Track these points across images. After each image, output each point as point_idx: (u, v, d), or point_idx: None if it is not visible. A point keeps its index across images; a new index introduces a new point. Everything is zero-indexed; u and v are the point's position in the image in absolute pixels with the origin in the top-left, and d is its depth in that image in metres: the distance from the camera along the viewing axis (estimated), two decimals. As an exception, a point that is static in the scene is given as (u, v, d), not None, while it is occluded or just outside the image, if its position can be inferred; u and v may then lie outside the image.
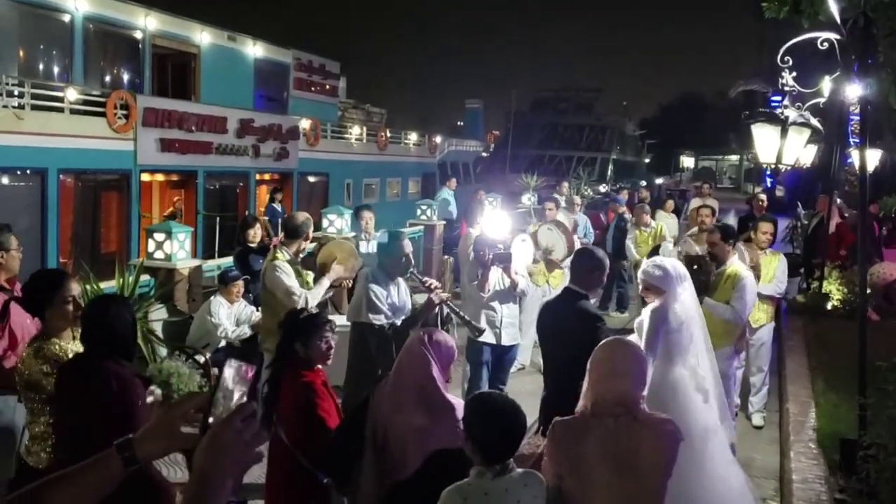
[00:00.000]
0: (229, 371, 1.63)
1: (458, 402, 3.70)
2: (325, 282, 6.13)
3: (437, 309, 6.15)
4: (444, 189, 18.65)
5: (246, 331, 7.45)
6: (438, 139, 31.97)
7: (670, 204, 13.96)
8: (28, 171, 13.46)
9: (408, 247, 5.99)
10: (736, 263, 6.61)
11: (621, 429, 3.12)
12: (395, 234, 6.16)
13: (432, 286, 5.84)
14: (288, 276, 5.96)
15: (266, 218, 15.66)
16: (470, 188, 32.63)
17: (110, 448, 1.71)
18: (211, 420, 1.60)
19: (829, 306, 11.85)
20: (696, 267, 6.40)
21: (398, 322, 5.74)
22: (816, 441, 6.70)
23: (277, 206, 16.91)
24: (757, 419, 7.95)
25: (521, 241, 8.23)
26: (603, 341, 3.49)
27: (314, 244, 7.90)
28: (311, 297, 5.98)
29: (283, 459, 4.10)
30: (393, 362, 4.51)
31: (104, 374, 3.51)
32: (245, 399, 1.63)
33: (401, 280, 6.03)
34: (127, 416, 3.43)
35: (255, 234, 8.31)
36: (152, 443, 1.71)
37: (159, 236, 8.60)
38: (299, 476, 4.05)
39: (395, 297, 5.90)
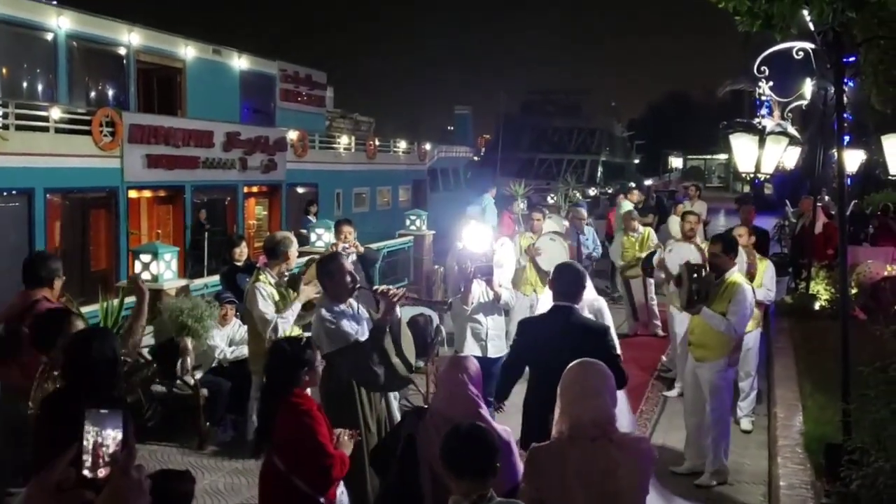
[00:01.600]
0: (91, 417, 1.60)
1: (509, 434, 3.78)
2: (296, 305, 6.06)
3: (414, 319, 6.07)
4: (486, 196, 18.49)
5: (244, 351, 7.39)
6: (428, 146, 32.01)
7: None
8: (14, 192, 13.44)
9: (347, 266, 5.41)
10: (736, 274, 6.56)
11: (598, 451, 3.14)
12: (326, 258, 5.60)
13: (382, 291, 5.65)
14: (264, 301, 5.92)
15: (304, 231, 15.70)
16: (460, 194, 32.77)
17: None
18: (86, 472, 1.58)
19: (816, 307, 11.90)
20: (696, 276, 6.40)
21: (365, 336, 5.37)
22: (803, 445, 6.72)
23: (312, 219, 16.82)
24: (745, 423, 7.98)
25: (500, 246, 8.23)
26: (570, 365, 3.50)
27: (306, 259, 7.88)
28: (282, 322, 5.92)
29: (277, 484, 4.08)
30: (369, 374, 4.61)
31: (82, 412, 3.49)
32: (121, 440, 1.61)
33: (351, 301, 5.43)
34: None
35: (242, 253, 8.31)
36: None
37: (145, 257, 8.61)
38: (296, 500, 4.06)
39: (352, 317, 5.34)
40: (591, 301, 6.16)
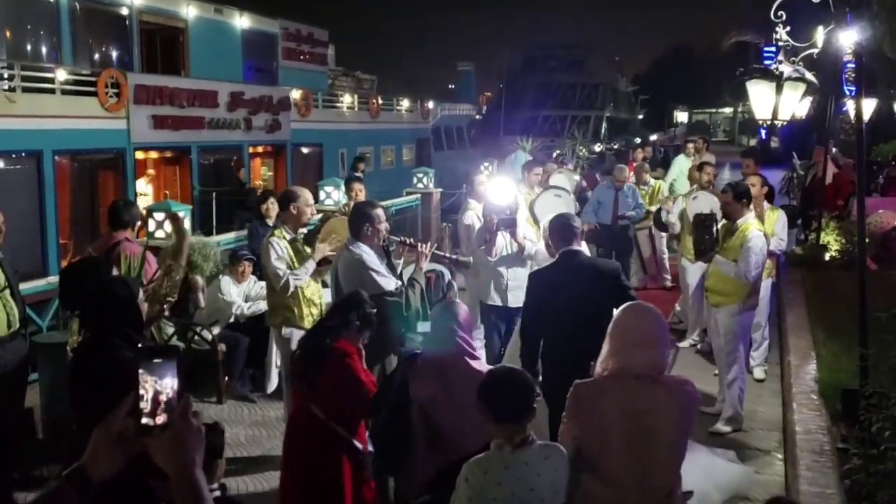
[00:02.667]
0: (146, 366, 1.63)
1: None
2: (311, 263, 6.10)
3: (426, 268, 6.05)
4: (519, 152, 18.35)
5: (262, 306, 7.46)
6: (431, 104, 31.76)
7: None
8: (23, 154, 13.41)
9: (383, 214, 5.74)
10: (750, 221, 6.59)
11: (641, 389, 3.17)
12: (366, 203, 6.03)
13: (411, 243, 5.91)
14: (277, 256, 5.95)
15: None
16: (465, 153, 32.64)
17: (61, 480, 1.69)
18: (144, 420, 1.61)
19: (826, 257, 11.92)
20: (707, 224, 6.48)
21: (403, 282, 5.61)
22: (818, 392, 6.78)
23: (360, 176, 16.71)
24: (758, 372, 8.05)
25: (553, 197, 8.02)
26: (624, 307, 3.51)
27: (318, 217, 7.90)
28: (294, 279, 5.97)
29: (315, 433, 4.11)
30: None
31: (119, 356, 3.51)
32: (176, 387, 1.63)
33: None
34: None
35: (269, 209, 8.31)
36: (102, 463, 1.69)
37: (159, 215, 8.63)
38: (336, 448, 4.10)
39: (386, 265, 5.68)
40: None
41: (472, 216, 7.82)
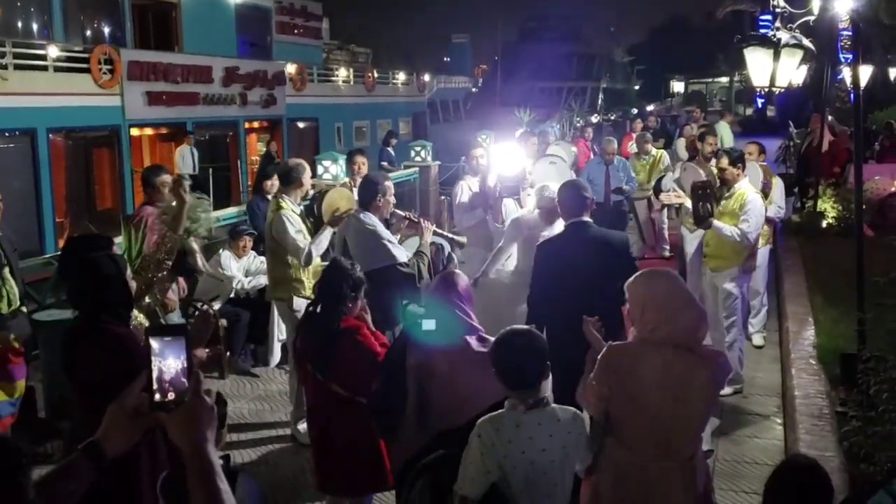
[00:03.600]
0: (156, 344, 1.67)
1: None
2: (327, 231, 6.12)
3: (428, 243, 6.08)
4: (549, 124, 18.36)
5: (262, 281, 7.52)
6: (427, 77, 31.66)
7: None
8: (17, 132, 13.37)
9: (392, 188, 5.83)
10: (745, 186, 6.64)
11: (678, 358, 3.19)
12: (379, 175, 6.13)
13: (413, 217, 5.97)
14: (294, 228, 5.96)
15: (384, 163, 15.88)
16: (462, 125, 32.54)
17: (77, 453, 1.74)
18: (157, 396, 1.66)
19: (823, 224, 11.96)
20: (704, 192, 6.50)
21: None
22: (817, 357, 6.84)
23: (391, 150, 16.75)
24: (757, 339, 8.09)
25: (548, 164, 8.11)
26: (648, 275, 3.48)
27: (314, 192, 7.89)
28: (315, 248, 6.00)
29: (339, 411, 4.12)
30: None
31: (110, 333, 3.51)
32: (185, 365, 1.67)
33: None
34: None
35: (273, 185, 8.26)
36: (116, 437, 1.74)
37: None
38: (365, 419, 4.09)
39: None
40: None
41: (465, 189, 7.83)
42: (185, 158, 17.32)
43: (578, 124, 18.53)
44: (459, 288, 4.08)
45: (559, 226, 5.96)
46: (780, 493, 2.85)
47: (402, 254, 5.45)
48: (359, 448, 4.15)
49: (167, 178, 6.33)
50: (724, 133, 12.44)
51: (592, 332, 3.63)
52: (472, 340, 3.88)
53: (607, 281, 4.53)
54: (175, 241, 5.52)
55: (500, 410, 3.14)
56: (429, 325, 4.14)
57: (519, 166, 7.08)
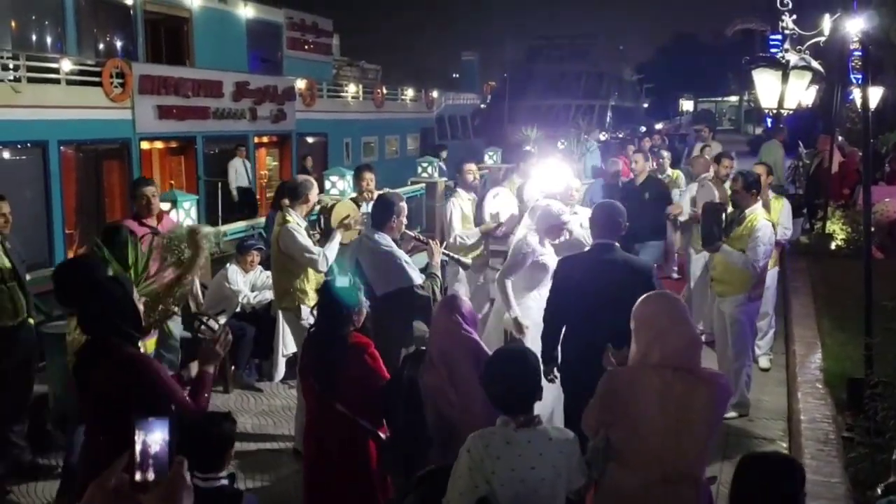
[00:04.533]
0: (139, 424, 1.67)
1: None
2: (338, 237, 6.21)
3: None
4: (592, 144, 18.18)
5: (267, 296, 7.53)
6: (435, 94, 31.71)
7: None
8: (29, 145, 13.44)
9: (405, 209, 5.79)
10: (758, 211, 6.58)
11: (677, 381, 3.18)
12: (394, 195, 6.06)
13: (423, 238, 6.00)
14: (303, 237, 6.06)
15: None
16: (469, 142, 32.58)
17: None
18: (139, 475, 1.65)
19: (832, 246, 11.91)
20: (717, 213, 6.47)
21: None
22: (823, 381, 6.79)
23: (442, 165, 16.75)
24: (764, 361, 8.05)
25: (492, 198, 7.88)
26: (645, 297, 3.50)
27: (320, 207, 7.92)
28: (329, 253, 6.08)
29: (341, 430, 4.09)
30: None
31: (122, 355, 3.52)
32: (167, 445, 1.67)
33: None
34: (157, 393, 3.50)
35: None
36: None
37: (165, 205, 8.62)
38: (365, 441, 4.09)
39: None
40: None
41: (457, 206, 7.83)
42: (238, 171, 17.59)
43: (620, 135, 18.45)
44: (463, 310, 4.10)
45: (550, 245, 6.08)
46: (747, 478, 2.86)
47: (418, 275, 5.42)
48: (353, 468, 4.13)
49: (149, 189, 6.46)
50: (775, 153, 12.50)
51: (612, 361, 3.61)
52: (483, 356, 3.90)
53: (626, 305, 4.53)
54: (185, 292, 5.51)
55: (490, 427, 3.14)
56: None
57: (564, 182, 7.07)
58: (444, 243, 7.61)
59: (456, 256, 6.42)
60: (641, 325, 3.35)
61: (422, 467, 3.86)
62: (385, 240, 5.48)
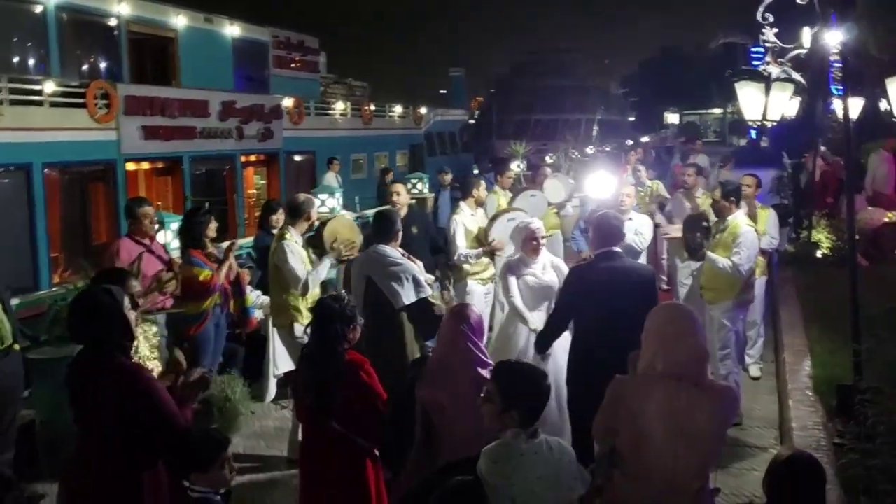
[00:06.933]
0: None
1: None
2: (326, 262, 6.21)
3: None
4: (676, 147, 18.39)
5: (258, 315, 7.54)
6: (423, 110, 31.78)
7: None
8: (12, 167, 13.34)
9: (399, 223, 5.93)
10: (739, 218, 6.68)
11: (682, 392, 3.21)
12: (394, 212, 6.25)
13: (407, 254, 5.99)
14: (294, 258, 6.11)
15: None
16: (458, 158, 32.67)
17: None
18: None
19: (818, 255, 11.98)
20: (697, 224, 6.57)
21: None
22: (813, 388, 6.83)
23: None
24: (754, 370, 8.08)
25: (506, 221, 7.65)
26: (655, 308, 3.60)
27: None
28: (313, 279, 6.07)
29: (336, 448, 4.07)
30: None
31: (113, 365, 3.51)
32: None
33: None
34: (152, 404, 3.48)
35: (278, 220, 8.21)
36: None
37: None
38: (360, 460, 4.09)
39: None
40: (551, 259, 6.33)
41: (460, 223, 7.81)
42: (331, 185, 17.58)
43: (574, 156, 18.56)
44: (471, 321, 4.12)
45: (542, 258, 6.19)
46: (780, 485, 2.90)
47: (428, 287, 5.56)
48: (349, 488, 4.10)
49: (150, 209, 6.56)
50: None
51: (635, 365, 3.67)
52: (484, 373, 3.90)
53: (630, 311, 4.65)
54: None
55: (502, 439, 3.18)
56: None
57: (611, 190, 7.11)
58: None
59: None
60: (649, 335, 3.40)
61: (402, 464, 3.90)
62: (395, 253, 5.58)
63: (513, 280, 6.11)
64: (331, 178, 18.11)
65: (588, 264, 5.39)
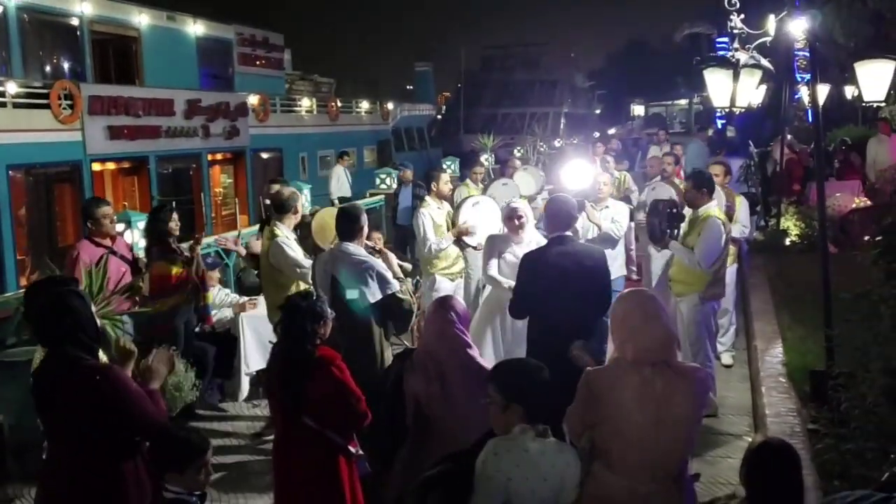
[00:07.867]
0: None
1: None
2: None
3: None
4: (697, 143, 18.36)
5: (226, 314, 7.50)
6: (391, 105, 31.71)
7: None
8: (-25, 170, 13.13)
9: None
10: (711, 209, 6.56)
11: (656, 377, 3.21)
12: (358, 206, 6.23)
13: (378, 247, 6.00)
14: (292, 250, 6.13)
15: None
16: (426, 153, 32.62)
17: None
18: None
19: (787, 242, 12.11)
20: (664, 211, 6.54)
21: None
22: (786, 374, 6.88)
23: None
24: (726, 358, 8.11)
25: (471, 206, 7.80)
26: (619, 297, 3.61)
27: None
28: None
29: (309, 444, 4.04)
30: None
31: (80, 363, 3.45)
32: None
33: None
34: (125, 407, 3.42)
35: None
36: None
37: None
38: (334, 456, 4.06)
39: None
40: (537, 239, 6.40)
41: (427, 216, 7.78)
42: (339, 180, 17.41)
43: (542, 149, 18.60)
44: (457, 310, 4.17)
45: (528, 237, 6.36)
46: (756, 473, 2.93)
47: (396, 283, 5.50)
48: (324, 484, 4.08)
49: (108, 209, 6.40)
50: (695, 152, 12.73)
51: (581, 357, 3.67)
52: (474, 353, 4.00)
53: (582, 292, 4.92)
54: None
55: (509, 434, 3.15)
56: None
57: (588, 180, 7.38)
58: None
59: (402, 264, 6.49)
60: (616, 324, 3.41)
61: (392, 459, 3.88)
62: (359, 250, 5.51)
63: (493, 252, 6.37)
64: (339, 171, 17.95)
65: (539, 249, 5.49)
